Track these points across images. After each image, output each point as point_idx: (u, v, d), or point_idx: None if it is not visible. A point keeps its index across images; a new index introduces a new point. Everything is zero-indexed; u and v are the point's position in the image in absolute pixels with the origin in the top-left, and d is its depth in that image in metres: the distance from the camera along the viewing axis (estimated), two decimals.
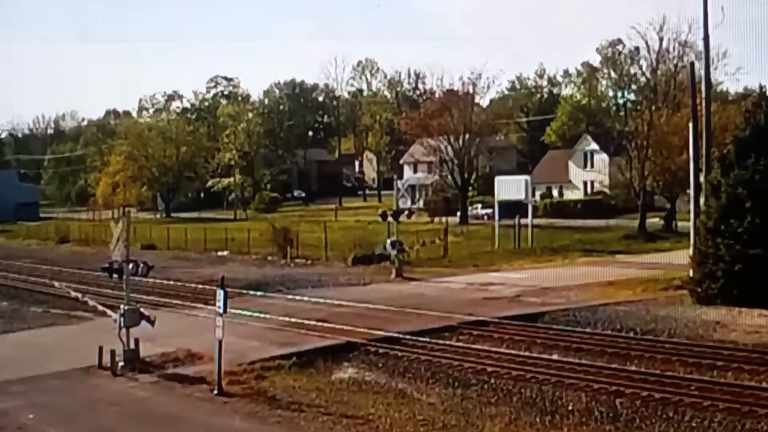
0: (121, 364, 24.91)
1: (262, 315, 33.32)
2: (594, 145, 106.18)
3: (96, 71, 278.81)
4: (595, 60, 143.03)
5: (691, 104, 40.36)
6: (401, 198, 52.35)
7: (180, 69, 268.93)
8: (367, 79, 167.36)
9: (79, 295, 33.50)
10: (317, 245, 61.79)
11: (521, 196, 66.19)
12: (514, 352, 27.21)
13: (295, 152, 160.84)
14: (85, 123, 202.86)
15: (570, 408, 21.14)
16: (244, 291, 42.36)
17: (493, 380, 23.76)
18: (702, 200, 36.93)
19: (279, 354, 26.55)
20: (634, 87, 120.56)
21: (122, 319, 25.06)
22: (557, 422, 20.12)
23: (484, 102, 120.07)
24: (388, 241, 49.22)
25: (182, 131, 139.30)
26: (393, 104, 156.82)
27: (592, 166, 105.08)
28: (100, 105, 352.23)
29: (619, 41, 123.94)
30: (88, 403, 22.05)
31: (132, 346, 25.27)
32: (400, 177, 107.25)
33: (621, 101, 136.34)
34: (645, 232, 70.33)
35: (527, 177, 74.57)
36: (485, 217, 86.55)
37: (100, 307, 29.32)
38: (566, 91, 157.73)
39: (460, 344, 28.62)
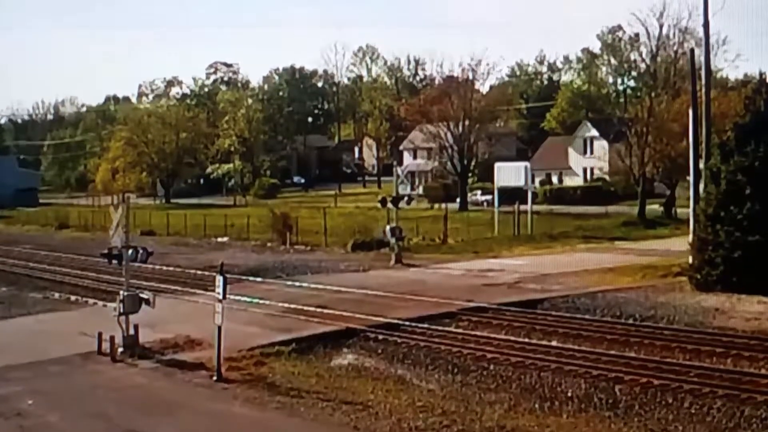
0: (120, 350, 24.96)
1: (261, 301, 33.39)
2: (594, 132, 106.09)
3: (96, 57, 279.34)
4: (596, 46, 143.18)
5: (691, 91, 40.28)
6: (401, 184, 52.18)
7: (180, 55, 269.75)
8: (366, 66, 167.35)
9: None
10: (317, 231, 61.78)
11: (521, 182, 66.15)
12: (513, 338, 27.23)
13: (294, 138, 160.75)
14: (84, 109, 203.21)
15: (569, 394, 21.18)
16: (244, 277, 42.37)
17: (492, 367, 23.78)
18: (702, 187, 36.90)
19: (278, 340, 26.59)
20: (634, 73, 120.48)
21: (122, 306, 25.09)
22: (556, 409, 20.16)
23: (484, 88, 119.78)
24: (388, 227, 49.20)
25: (182, 117, 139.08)
26: (393, 90, 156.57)
27: (591, 152, 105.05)
28: (100, 91, 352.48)
29: (620, 27, 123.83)
30: (88, 389, 22.08)
31: (131, 332, 25.31)
32: (400, 163, 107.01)
33: (621, 88, 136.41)
34: (644, 218, 70.33)
35: (527, 163, 74.40)
36: (485, 204, 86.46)
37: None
38: (566, 78, 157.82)
39: (460, 330, 28.62)
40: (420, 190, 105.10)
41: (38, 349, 26.23)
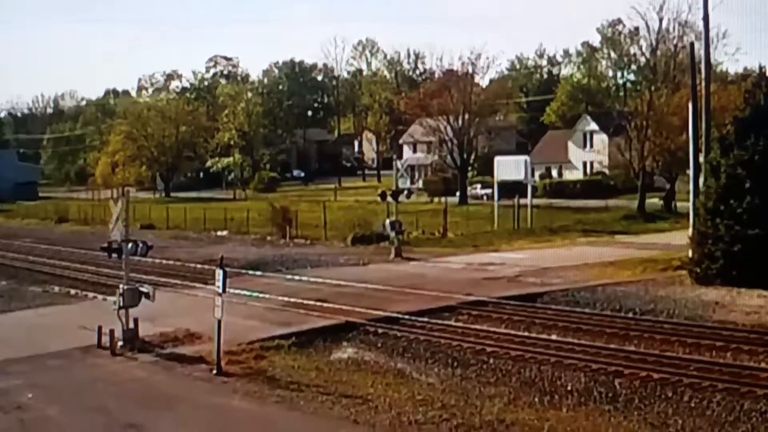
0: (120, 343, 24.93)
1: (261, 295, 33.37)
2: (593, 126, 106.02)
3: (95, 51, 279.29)
4: (595, 40, 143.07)
5: (691, 84, 40.27)
6: (400, 178, 52.20)
7: (179, 48, 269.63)
8: (366, 59, 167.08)
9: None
10: (316, 225, 61.78)
11: (520, 176, 66.16)
12: (513, 332, 27.24)
13: (294, 132, 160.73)
14: (84, 102, 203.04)
15: (569, 388, 21.17)
16: (244, 271, 42.37)
17: (492, 360, 23.79)
18: (701, 181, 36.91)
19: (278, 334, 26.57)
20: (633, 67, 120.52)
21: (121, 299, 25.08)
22: (556, 402, 20.15)
23: (484, 82, 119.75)
24: (387, 221, 49.18)
25: (181, 111, 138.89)
26: (392, 84, 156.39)
27: (591, 146, 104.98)
28: (100, 84, 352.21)
29: (620, 21, 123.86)
30: (87, 382, 22.06)
31: (131, 325, 25.29)
32: (400, 157, 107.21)
33: (621, 81, 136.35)
34: (644, 212, 70.37)
35: (526, 157, 74.50)
36: (484, 198, 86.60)
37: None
38: (566, 71, 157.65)
39: (460, 324, 28.64)
40: (420, 184, 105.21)
41: (38, 342, 26.20)
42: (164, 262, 46.13)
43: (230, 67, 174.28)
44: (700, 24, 43.42)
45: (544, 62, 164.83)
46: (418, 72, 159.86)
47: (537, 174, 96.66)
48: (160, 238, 57.98)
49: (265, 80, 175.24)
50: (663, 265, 39.50)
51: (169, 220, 75.73)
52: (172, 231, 71.23)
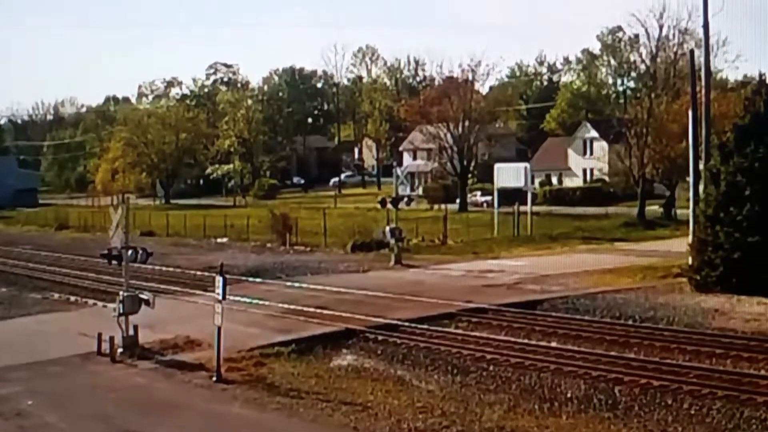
0: (120, 350, 24.97)
1: (261, 302, 33.39)
2: (593, 133, 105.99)
3: (95, 57, 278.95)
4: (595, 47, 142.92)
5: (691, 92, 40.29)
6: (400, 185, 52.18)
7: (179, 55, 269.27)
8: (366, 66, 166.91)
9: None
10: (316, 232, 61.75)
11: (520, 183, 66.12)
12: (513, 339, 27.23)
13: (294, 139, 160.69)
14: (84, 109, 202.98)
15: (569, 395, 21.17)
16: (243, 278, 42.39)
17: (492, 367, 23.79)
18: (701, 188, 36.91)
19: (278, 341, 26.60)
20: (633, 74, 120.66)
21: (121, 306, 25.10)
22: (556, 409, 20.16)
23: (484, 89, 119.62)
24: (387, 228, 49.19)
25: (181, 118, 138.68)
26: (392, 91, 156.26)
27: (591, 153, 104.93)
28: (100, 91, 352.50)
29: (620, 28, 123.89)
30: (87, 389, 22.10)
31: (131, 332, 25.33)
32: (400, 164, 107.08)
33: (621, 89, 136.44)
34: (644, 219, 70.30)
35: (526, 164, 74.38)
36: (484, 205, 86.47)
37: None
38: (566, 79, 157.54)
39: (459, 331, 28.62)
40: (419, 191, 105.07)
41: (38, 349, 26.24)
42: (164, 269, 46.14)
43: (230, 74, 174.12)
44: (700, 31, 43.50)
45: (544, 69, 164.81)
46: (418, 79, 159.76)
47: (537, 181, 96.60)
48: (160, 245, 57.95)
49: (265, 87, 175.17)
50: (663, 272, 39.48)
51: (169, 227, 75.72)
52: (172, 238, 71.23)
